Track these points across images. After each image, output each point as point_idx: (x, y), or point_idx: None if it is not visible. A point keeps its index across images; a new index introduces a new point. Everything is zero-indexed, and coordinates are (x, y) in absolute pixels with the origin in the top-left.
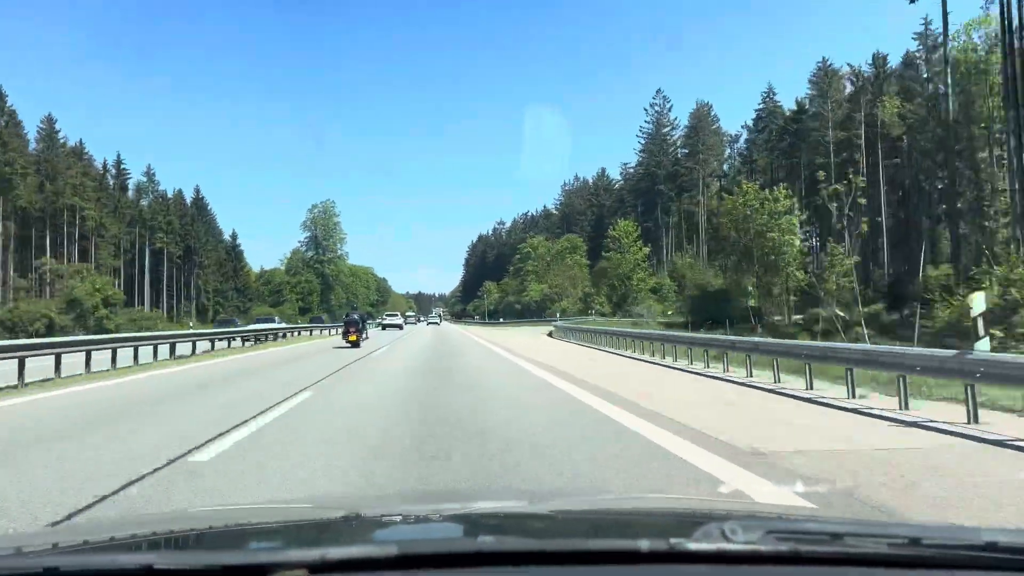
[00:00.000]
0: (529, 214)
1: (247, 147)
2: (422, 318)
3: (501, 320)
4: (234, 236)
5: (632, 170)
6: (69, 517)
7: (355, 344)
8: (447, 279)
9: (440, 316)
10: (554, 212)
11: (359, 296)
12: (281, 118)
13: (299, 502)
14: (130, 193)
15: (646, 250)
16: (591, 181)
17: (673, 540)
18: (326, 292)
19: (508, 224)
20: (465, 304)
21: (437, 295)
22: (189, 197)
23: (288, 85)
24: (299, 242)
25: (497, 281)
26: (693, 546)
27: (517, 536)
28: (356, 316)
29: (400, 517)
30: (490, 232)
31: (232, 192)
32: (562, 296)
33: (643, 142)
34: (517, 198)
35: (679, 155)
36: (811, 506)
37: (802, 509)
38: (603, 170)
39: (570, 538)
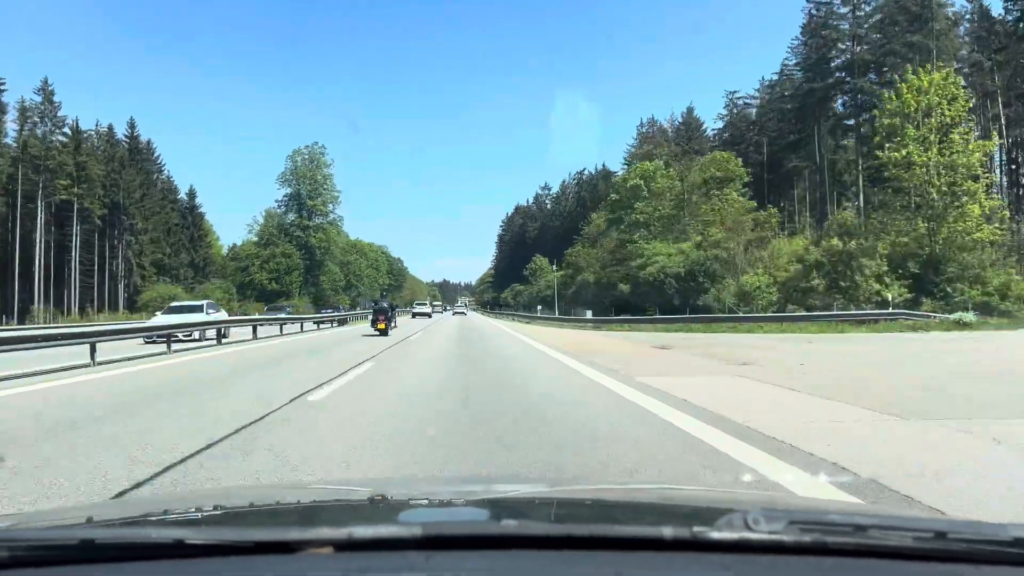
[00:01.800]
0: (585, 172)
1: (261, 129)
2: (448, 307)
3: (588, 314)
4: (192, 195)
5: (750, 98)
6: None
7: (383, 332)
8: (473, 267)
9: (466, 306)
10: (619, 172)
11: (364, 279)
12: (294, 97)
13: (327, 483)
14: (9, 119)
15: (992, 143)
16: (675, 123)
17: (696, 529)
18: (313, 270)
19: (555, 189)
20: (499, 291)
21: (463, 284)
22: (121, 134)
23: (302, 63)
24: (276, 202)
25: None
26: (716, 535)
27: (540, 521)
28: (385, 304)
29: (425, 499)
30: (530, 201)
31: (241, 174)
32: (734, 266)
33: (808, 16)
34: (550, 180)
35: (856, 53)
36: (837, 496)
37: (827, 500)
38: (690, 109)
39: (594, 524)
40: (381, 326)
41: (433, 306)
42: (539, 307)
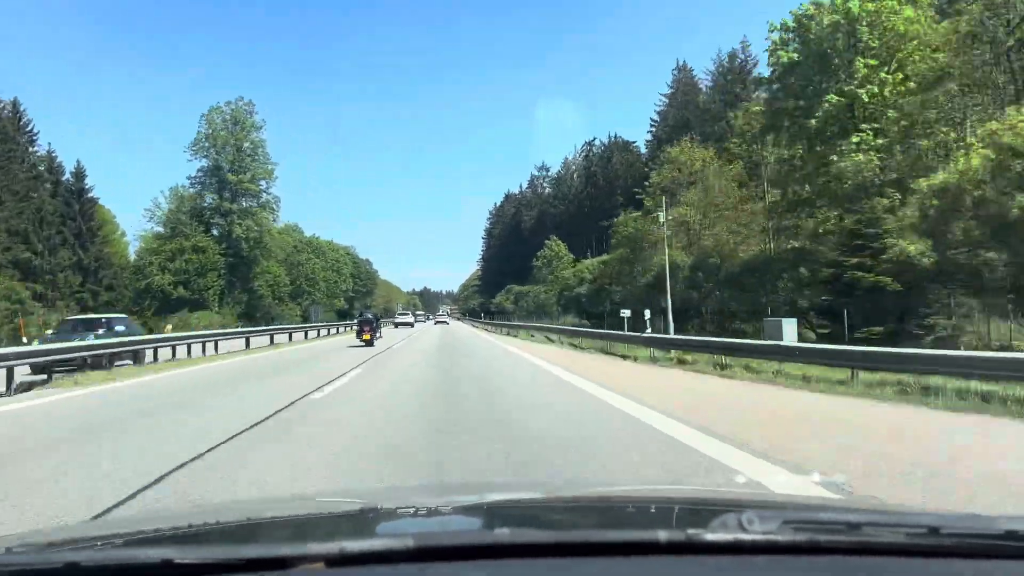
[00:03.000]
0: (596, 143)
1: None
2: (430, 316)
3: (788, 333)
4: (79, 174)
5: None
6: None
7: (369, 343)
8: (454, 275)
9: (448, 314)
10: (637, 143)
11: (320, 284)
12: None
13: (318, 496)
14: None
15: None
16: (721, 60)
17: (691, 531)
18: (240, 270)
19: (555, 168)
20: (488, 296)
21: (444, 292)
22: None
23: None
24: (188, 179)
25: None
26: (711, 536)
27: (534, 528)
28: (370, 315)
29: (416, 510)
30: (524, 187)
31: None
32: None
33: None
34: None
35: None
36: (828, 495)
37: (820, 498)
38: (743, 42)
39: (587, 529)
40: (366, 337)
41: (416, 315)
42: (648, 313)
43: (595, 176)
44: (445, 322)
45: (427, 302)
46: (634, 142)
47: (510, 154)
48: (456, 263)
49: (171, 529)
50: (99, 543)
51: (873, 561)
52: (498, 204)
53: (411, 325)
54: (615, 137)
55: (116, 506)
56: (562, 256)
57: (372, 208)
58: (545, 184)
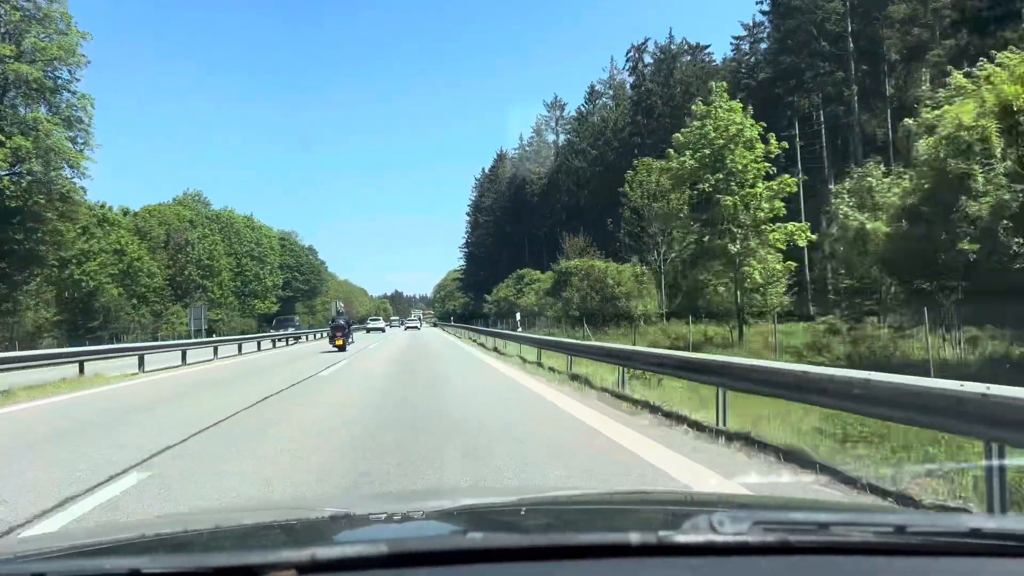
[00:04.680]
0: (647, 49)
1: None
2: (402, 322)
3: None
4: None
5: None
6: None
7: (341, 348)
8: (428, 278)
9: (421, 319)
10: (712, 49)
11: (220, 271)
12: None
13: (287, 503)
14: None
15: None
16: None
17: (662, 533)
18: (20, 238)
19: (575, 104)
20: (476, 294)
21: (417, 296)
22: None
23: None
24: None
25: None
26: (682, 538)
27: (506, 532)
28: (342, 322)
29: (389, 515)
30: (525, 140)
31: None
32: None
33: None
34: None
35: None
36: (799, 494)
37: (791, 497)
38: None
39: (560, 533)
40: (339, 343)
41: (391, 321)
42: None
43: (649, 98)
44: (416, 327)
45: (398, 306)
46: (707, 46)
47: (493, 141)
48: (430, 266)
49: (140, 538)
50: (67, 553)
51: (843, 560)
52: (486, 169)
53: (382, 330)
54: (681, 40)
55: None
56: (750, 138)
57: (341, 211)
58: (558, 130)
